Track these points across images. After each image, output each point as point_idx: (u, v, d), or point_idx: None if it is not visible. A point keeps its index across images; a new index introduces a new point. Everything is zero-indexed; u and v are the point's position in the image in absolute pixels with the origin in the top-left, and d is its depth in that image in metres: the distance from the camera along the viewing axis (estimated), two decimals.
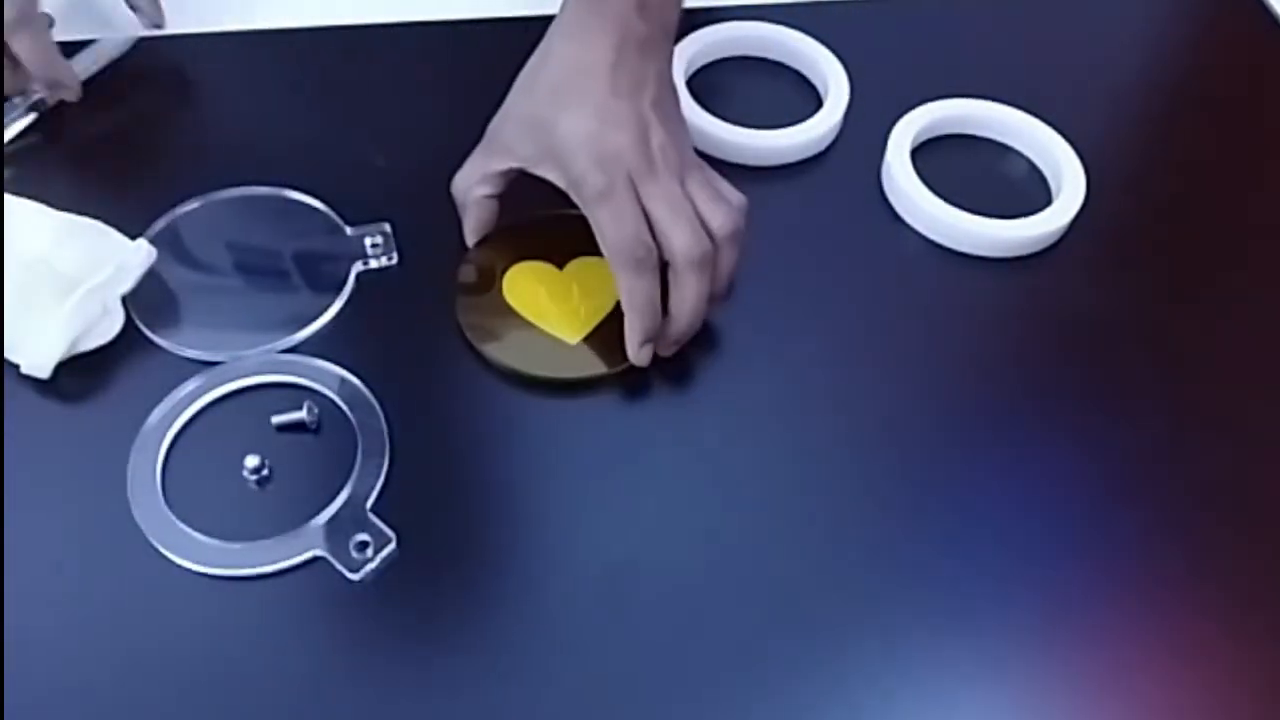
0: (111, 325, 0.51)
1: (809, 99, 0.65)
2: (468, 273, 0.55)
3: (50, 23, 0.63)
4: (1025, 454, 0.52)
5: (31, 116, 0.61)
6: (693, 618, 0.46)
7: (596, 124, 0.50)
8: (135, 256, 0.52)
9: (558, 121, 0.50)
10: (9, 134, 0.61)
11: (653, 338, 0.51)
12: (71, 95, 0.62)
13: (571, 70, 0.51)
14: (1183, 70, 0.72)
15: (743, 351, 0.54)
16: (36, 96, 0.61)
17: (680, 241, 0.49)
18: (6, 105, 0.61)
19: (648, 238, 0.49)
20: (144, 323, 0.52)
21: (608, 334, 0.53)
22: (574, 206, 0.50)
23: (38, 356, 0.49)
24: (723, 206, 0.51)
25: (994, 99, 0.64)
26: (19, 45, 0.59)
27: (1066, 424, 0.53)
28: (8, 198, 0.53)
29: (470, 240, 0.56)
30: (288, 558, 0.46)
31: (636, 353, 0.51)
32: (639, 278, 0.49)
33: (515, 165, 0.53)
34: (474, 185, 0.54)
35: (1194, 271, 0.60)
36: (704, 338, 0.54)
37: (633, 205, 0.49)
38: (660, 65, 0.53)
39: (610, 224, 0.49)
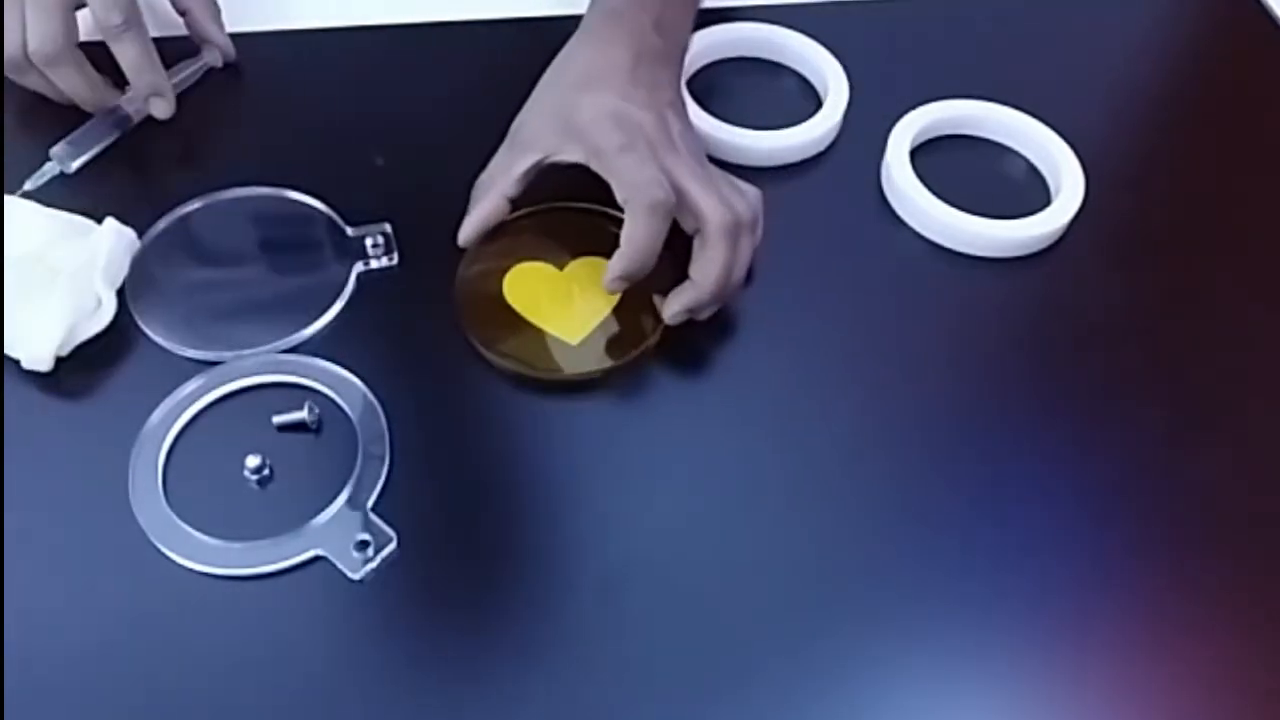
0: (105, 312, 0.51)
1: (809, 99, 0.65)
2: (468, 273, 0.55)
3: None
4: (1023, 453, 0.52)
5: (115, 134, 0.58)
6: (696, 616, 0.46)
7: (619, 101, 0.51)
8: (106, 238, 0.52)
9: (580, 104, 0.51)
10: (91, 154, 0.57)
11: (632, 279, 0.50)
12: (165, 110, 0.59)
13: (593, 68, 0.53)
14: (1182, 70, 0.72)
15: (742, 351, 0.54)
16: (122, 112, 0.58)
17: (710, 207, 0.50)
18: (93, 124, 0.57)
19: (669, 185, 0.49)
20: (145, 323, 0.53)
21: (608, 334, 0.53)
22: (573, 201, 0.50)
23: (36, 348, 0.50)
24: (740, 194, 0.52)
25: (993, 99, 0.64)
26: (125, 50, 0.56)
27: (1064, 423, 0.53)
28: (7, 198, 0.53)
29: (465, 235, 0.53)
30: (288, 557, 0.46)
31: (611, 282, 0.50)
32: (651, 218, 0.49)
33: (538, 158, 0.52)
34: (495, 182, 0.53)
35: (1193, 272, 0.60)
36: (704, 337, 0.54)
37: (654, 160, 0.50)
38: (674, 76, 0.55)
39: (631, 169, 0.49)
